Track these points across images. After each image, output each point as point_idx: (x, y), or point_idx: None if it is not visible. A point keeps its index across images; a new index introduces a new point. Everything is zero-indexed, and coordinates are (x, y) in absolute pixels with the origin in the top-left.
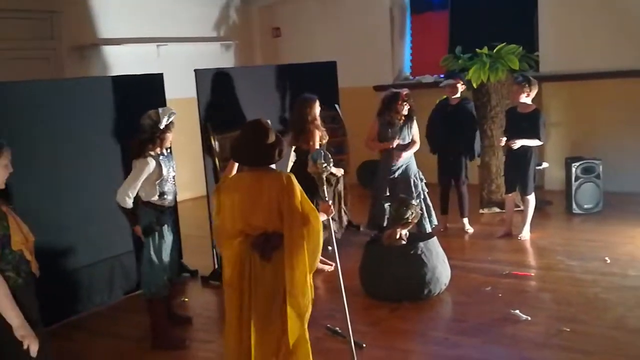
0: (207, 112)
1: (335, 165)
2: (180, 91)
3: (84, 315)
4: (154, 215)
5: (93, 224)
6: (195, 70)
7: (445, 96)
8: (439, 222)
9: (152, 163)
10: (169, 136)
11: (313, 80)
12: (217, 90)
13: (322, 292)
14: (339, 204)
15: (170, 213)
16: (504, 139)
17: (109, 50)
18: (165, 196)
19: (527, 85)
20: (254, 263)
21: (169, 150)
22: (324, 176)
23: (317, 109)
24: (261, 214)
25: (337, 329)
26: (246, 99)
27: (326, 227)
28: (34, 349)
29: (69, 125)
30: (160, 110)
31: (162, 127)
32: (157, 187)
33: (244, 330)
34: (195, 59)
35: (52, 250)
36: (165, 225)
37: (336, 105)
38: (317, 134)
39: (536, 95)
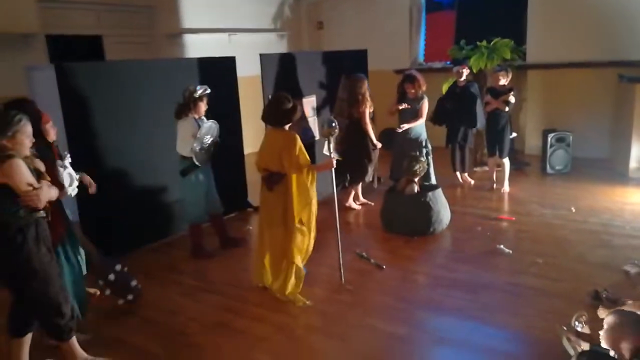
0: (267, 86)
1: None
2: (247, 71)
3: (173, 238)
4: (188, 163)
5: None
6: (260, 55)
7: (454, 79)
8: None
9: (191, 121)
10: (202, 105)
11: (349, 64)
12: (277, 69)
13: (353, 227)
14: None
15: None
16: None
17: (192, 38)
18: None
19: (504, 72)
20: (263, 189)
21: (203, 117)
22: (331, 138)
23: (366, 85)
24: (270, 159)
25: (364, 253)
26: (298, 76)
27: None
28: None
29: (163, 94)
30: (197, 86)
31: (197, 95)
32: (193, 143)
33: (263, 232)
34: (257, 45)
35: (152, 189)
36: (200, 174)
37: None
38: (368, 104)
39: (522, 79)
